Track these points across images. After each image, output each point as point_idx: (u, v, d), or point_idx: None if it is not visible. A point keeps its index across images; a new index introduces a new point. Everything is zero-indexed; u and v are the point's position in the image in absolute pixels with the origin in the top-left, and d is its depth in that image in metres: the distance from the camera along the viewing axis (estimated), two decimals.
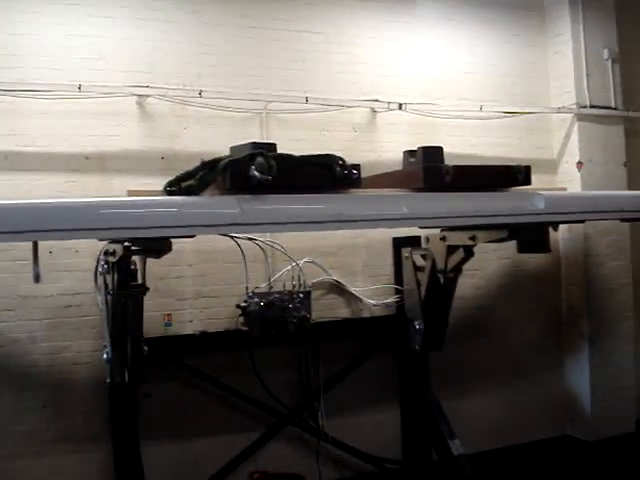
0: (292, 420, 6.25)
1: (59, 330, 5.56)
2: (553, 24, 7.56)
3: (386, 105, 6.58)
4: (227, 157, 4.32)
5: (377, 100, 6.57)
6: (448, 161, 5.23)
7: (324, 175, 4.47)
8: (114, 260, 4.70)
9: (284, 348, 6.12)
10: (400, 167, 5.57)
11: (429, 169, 5.03)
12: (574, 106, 7.33)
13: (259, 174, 4.14)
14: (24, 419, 5.45)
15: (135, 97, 5.75)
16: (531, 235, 5.61)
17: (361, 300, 6.51)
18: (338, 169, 4.48)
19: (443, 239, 5.86)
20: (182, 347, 5.85)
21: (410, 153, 5.44)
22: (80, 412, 5.60)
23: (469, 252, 5.80)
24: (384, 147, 6.62)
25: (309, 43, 6.46)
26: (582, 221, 6.22)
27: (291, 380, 6.19)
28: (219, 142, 5.35)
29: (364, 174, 4.79)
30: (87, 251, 5.38)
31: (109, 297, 4.96)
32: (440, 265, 5.98)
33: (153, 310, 5.62)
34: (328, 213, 4.40)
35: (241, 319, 5.83)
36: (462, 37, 7.20)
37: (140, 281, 5.05)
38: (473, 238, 5.56)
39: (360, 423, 6.52)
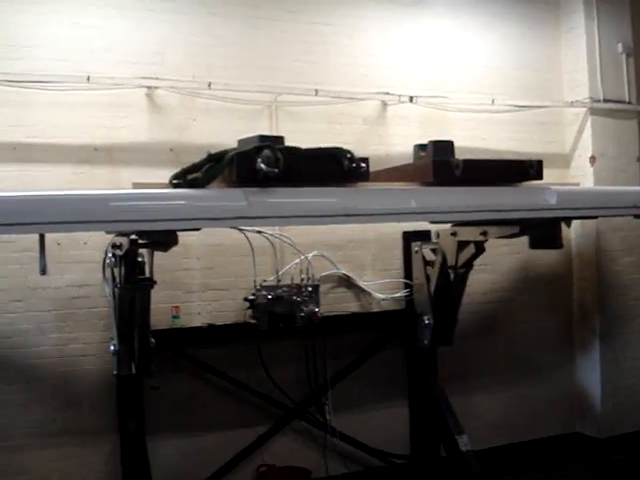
0: (299, 414, 6.23)
1: (67, 321, 5.54)
2: (567, 18, 7.47)
3: (397, 98, 6.52)
4: (234, 150, 4.29)
5: (388, 93, 6.51)
6: (459, 155, 5.16)
7: (332, 168, 4.44)
8: (121, 253, 4.67)
9: (292, 342, 6.08)
10: (410, 161, 5.52)
11: (439, 163, 4.98)
12: (587, 100, 7.26)
13: (266, 167, 4.12)
14: (31, 410, 5.43)
15: (144, 89, 5.70)
16: (543, 231, 5.56)
17: (370, 294, 6.47)
18: (346, 162, 4.45)
19: (454, 234, 5.79)
20: (189, 340, 5.83)
21: (420, 147, 5.38)
22: (87, 404, 5.59)
23: (480, 248, 5.73)
24: (394, 140, 6.55)
25: (319, 35, 6.39)
26: (595, 217, 6.14)
27: (299, 374, 6.17)
28: (228, 134, 5.26)
29: (374, 168, 4.76)
30: (96, 243, 5.35)
31: (116, 290, 4.95)
32: (451, 260, 5.93)
33: (161, 302, 5.59)
34: (335, 207, 4.39)
35: (249, 312, 5.80)
36: (474, 30, 7.12)
37: (148, 274, 5.01)
38: (484, 234, 5.48)
39: (368, 418, 6.48)
